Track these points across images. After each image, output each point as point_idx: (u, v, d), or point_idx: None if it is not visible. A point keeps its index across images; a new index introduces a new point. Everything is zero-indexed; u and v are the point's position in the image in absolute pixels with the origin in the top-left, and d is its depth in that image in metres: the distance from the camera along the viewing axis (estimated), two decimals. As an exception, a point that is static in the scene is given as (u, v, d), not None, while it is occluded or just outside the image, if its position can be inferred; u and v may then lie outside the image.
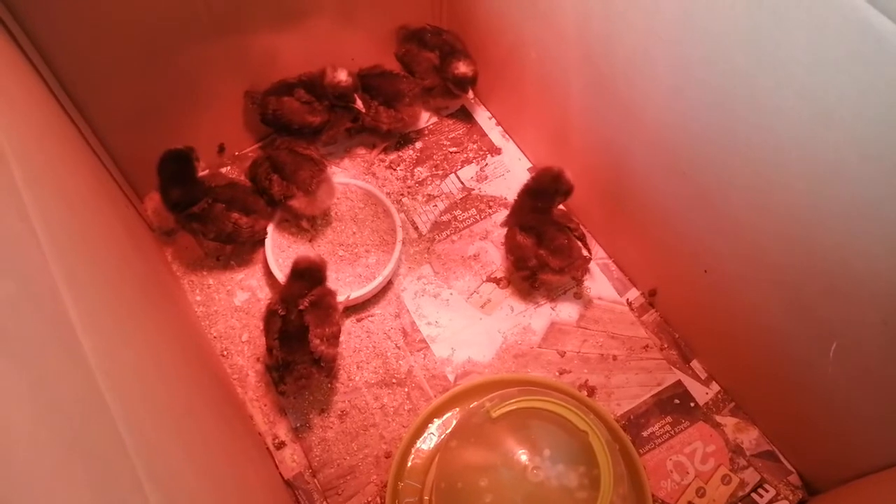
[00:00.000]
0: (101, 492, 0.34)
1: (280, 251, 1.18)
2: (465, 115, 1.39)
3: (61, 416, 0.35)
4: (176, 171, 1.06)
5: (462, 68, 1.26)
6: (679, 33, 0.82)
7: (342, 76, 1.17)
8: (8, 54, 0.80)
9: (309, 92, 1.19)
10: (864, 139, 0.67)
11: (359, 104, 1.19)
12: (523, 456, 0.80)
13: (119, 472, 0.38)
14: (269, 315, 1.00)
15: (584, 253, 1.10)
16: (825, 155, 0.72)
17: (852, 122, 0.67)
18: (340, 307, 1.05)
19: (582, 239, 1.12)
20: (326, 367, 0.99)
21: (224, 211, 1.10)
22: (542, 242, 1.09)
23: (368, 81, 1.25)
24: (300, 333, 0.98)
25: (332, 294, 1.04)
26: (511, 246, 1.13)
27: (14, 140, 0.54)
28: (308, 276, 1.03)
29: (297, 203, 1.14)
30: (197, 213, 1.09)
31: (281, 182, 1.13)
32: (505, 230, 1.19)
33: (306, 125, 1.20)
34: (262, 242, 1.17)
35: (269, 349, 0.99)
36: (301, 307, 0.99)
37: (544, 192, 1.12)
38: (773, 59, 0.72)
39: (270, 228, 1.17)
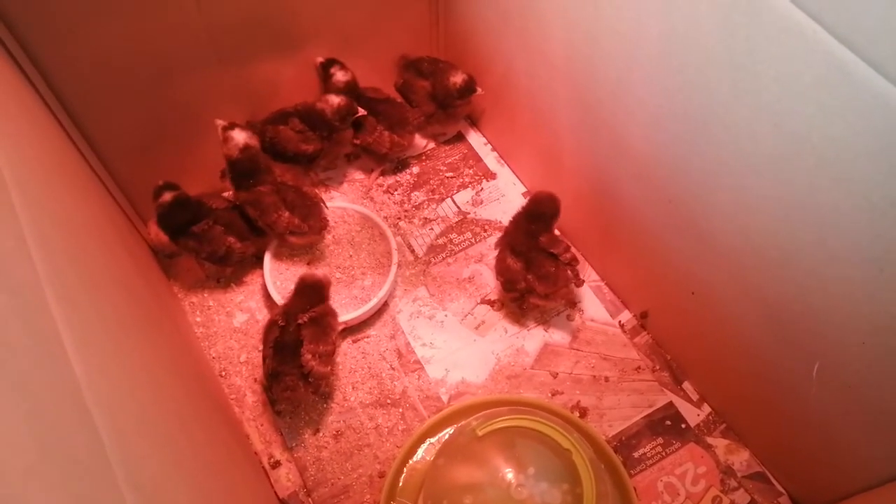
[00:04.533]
0: (77, 496, 0.36)
1: (278, 273, 1.20)
2: (461, 141, 1.43)
3: (41, 423, 0.38)
4: (180, 218, 1.11)
5: (457, 79, 1.29)
6: (659, 64, 0.85)
7: (335, 99, 1.20)
8: (12, 80, 0.83)
9: (303, 121, 1.22)
10: (834, 163, 0.69)
11: (360, 112, 1.23)
12: (508, 474, 0.82)
13: (98, 479, 0.40)
14: (269, 325, 1.04)
15: (573, 279, 1.11)
16: (799, 179, 0.74)
17: (822, 147, 0.69)
18: (339, 328, 1.07)
19: (572, 264, 1.13)
20: (314, 384, 1.01)
21: (222, 234, 1.13)
22: (530, 268, 1.11)
23: (375, 107, 1.29)
24: (295, 346, 1.00)
25: (333, 315, 1.06)
26: (501, 268, 1.15)
27: (15, 165, 0.58)
28: (312, 292, 1.06)
29: (298, 241, 1.18)
30: (196, 232, 1.12)
31: (291, 219, 1.14)
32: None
33: (300, 153, 1.23)
34: (260, 265, 1.20)
35: (264, 358, 1.02)
36: (300, 321, 1.02)
37: (543, 216, 1.13)
38: (747, 88, 0.74)
39: (268, 253, 1.20)
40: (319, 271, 1.10)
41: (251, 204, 1.15)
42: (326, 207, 1.19)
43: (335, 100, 1.21)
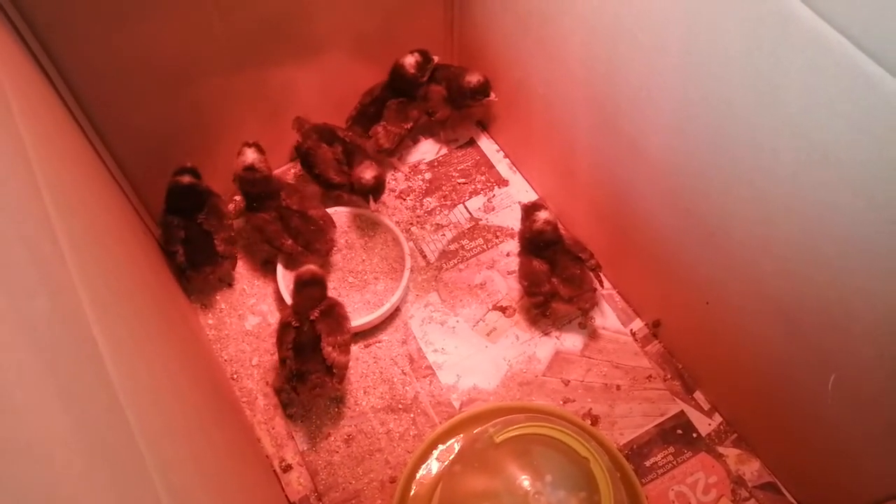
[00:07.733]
0: (123, 499, 0.36)
1: (291, 277, 1.20)
2: (473, 148, 1.43)
3: (88, 428, 0.38)
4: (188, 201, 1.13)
5: (472, 78, 1.29)
6: (680, 74, 0.85)
7: (368, 175, 1.18)
8: (39, 86, 0.84)
9: (345, 153, 1.22)
10: (857, 177, 0.69)
11: (372, 206, 1.22)
12: (525, 482, 0.81)
13: (139, 484, 0.40)
14: (283, 327, 1.04)
15: (596, 284, 1.12)
16: (820, 192, 0.74)
17: (846, 161, 0.70)
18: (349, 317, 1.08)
19: (596, 269, 1.14)
20: (339, 375, 1.02)
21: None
22: (555, 270, 1.11)
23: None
24: (313, 343, 1.01)
25: (340, 305, 1.07)
26: (525, 271, 1.15)
27: (45, 168, 0.58)
28: (313, 286, 1.06)
29: (305, 259, 1.18)
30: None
31: (295, 246, 1.15)
32: (511, 259, 1.21)
33: (326, 178, 1.22)
34: (273, 268, 1.20)
35: (283, 360, 1.02)
36: (312, 317, 1.02)
37: (550, 242, 1.14)
38: (770, 100, 0.75)
39: (280, 256, 1.20)
40: (312, 265, 1.09)
41: (256, 229, 1.17)
42: (335, 228, 1.19)
43: (368, 174, 1.19)
